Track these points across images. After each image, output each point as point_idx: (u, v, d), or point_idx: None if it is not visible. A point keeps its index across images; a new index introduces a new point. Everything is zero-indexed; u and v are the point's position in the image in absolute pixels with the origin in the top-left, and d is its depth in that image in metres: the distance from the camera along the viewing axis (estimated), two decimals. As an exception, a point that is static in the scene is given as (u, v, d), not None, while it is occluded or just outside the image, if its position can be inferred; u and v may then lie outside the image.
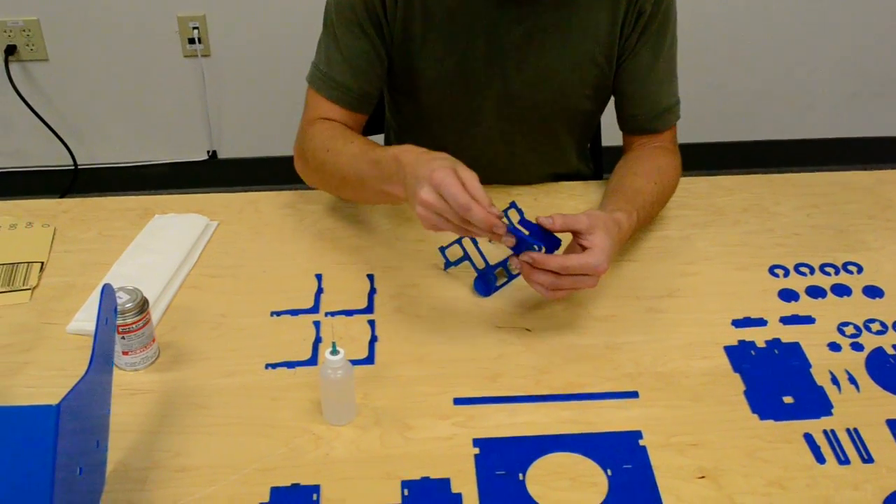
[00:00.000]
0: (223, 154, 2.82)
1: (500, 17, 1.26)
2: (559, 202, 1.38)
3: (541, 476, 0.93)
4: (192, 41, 2.57)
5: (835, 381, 1.05)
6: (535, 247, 1.05)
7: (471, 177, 1.01)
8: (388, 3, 1.25)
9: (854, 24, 2.73)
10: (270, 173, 2.79)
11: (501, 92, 1.33)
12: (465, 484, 0.92)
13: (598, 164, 1.65)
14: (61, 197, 2.76)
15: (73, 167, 2.76)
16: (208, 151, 2.81)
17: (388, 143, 1.58)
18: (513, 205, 1.25)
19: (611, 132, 1.81)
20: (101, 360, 0.89)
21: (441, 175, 0.99)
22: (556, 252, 1.08)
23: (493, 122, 1.38)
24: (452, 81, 1.32)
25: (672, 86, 1.36)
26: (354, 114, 1.33)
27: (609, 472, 0.93)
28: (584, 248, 1.06)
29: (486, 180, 1.41)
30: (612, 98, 1.39)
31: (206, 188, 2.86)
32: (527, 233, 1.06)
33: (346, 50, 1.29)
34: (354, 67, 1.29)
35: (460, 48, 1.29)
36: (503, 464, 0.94)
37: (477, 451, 0.95)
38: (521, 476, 0.93)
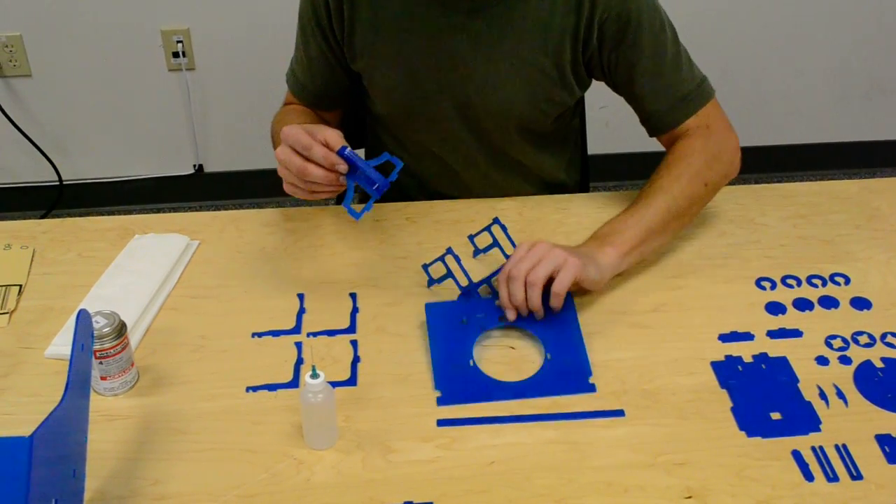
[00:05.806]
0: (210, 168, 2.80)
1: (445, 24, 1.25)
2: (544, 216, 1.36)
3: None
4: (176, 55, 2.56)
5: (823, 395, 1.04)
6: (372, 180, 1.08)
7: (330, 133, 1.08)
8: (333, 13, 1.27)
9: (840, 27, 2.73)
10: (258, 186, 2.78)
11: (456, 101, 1.32)
12: (449, 508, 0.90)
13: (584, 175, 1.63)
14: (47, 213, 2.75)
15: (58, 183, 2.74)
16: (194, 165, 2.79)
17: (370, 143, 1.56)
18: (496, 221, 1.24)
19: (597, 142, 1.82)
20: (77, 387, 0.87)
21: (288, 129, 1.09)
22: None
23: (455, 131, 1.36)
24: (405, 90, 1.32)
25: (677, 75, 1.29)
26: (316, 110, 1.41)
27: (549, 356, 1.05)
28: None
29: (461, 191, 1.41)
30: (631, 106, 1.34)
31: (193, 202, 2.84)
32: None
33: (305, 52, 1.35)
34: (312, 69, 1.36)
35: (408, 56, 1.28)
36: None
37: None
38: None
